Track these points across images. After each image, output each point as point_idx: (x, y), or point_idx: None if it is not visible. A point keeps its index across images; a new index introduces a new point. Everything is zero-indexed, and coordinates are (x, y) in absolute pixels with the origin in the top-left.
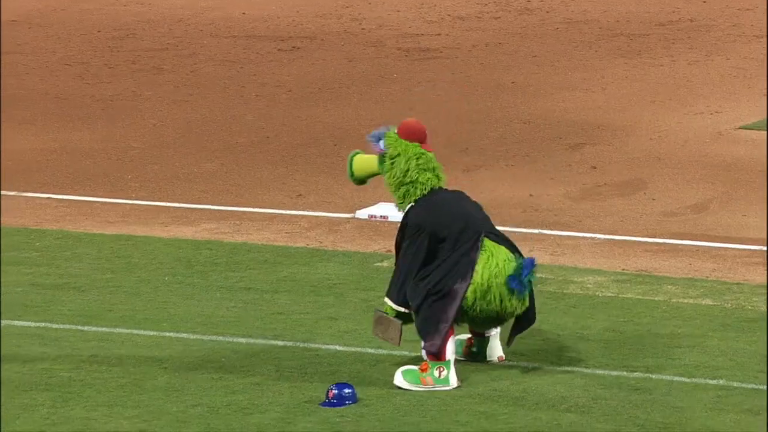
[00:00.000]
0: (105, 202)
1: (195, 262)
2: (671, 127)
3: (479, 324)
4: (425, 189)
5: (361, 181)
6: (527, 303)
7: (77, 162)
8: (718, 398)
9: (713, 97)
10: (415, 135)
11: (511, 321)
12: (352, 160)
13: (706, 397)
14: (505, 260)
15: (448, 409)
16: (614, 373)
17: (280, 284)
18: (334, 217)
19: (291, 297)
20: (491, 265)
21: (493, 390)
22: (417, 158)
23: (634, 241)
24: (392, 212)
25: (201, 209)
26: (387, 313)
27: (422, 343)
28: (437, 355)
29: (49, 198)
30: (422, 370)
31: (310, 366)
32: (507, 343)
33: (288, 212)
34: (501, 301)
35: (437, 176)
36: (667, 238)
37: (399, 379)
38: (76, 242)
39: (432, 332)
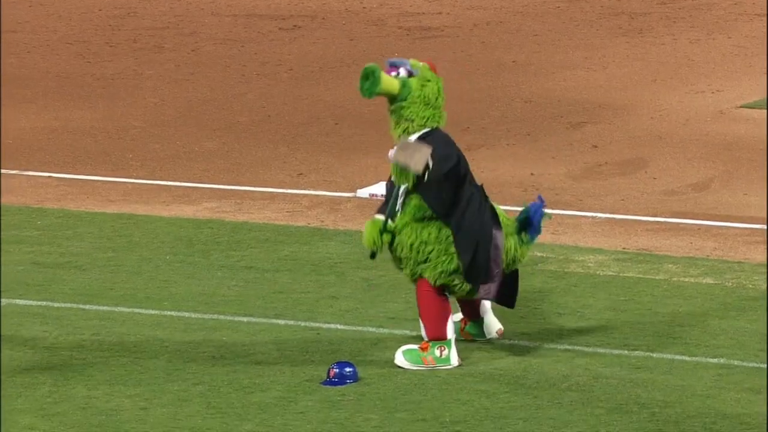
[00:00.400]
0: (106, 181)
1: (196, 241)
2: (672, 105)
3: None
4: (441, 120)
5: (376, 95)
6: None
7: (78, 141)
8: (719, 377)
9: (714, 76)
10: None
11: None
12: (376, 72)
13: (707, 376)
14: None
15: (449, 387)
16: (615, 351)
17: (281, 263)
18: (335, 196)
19: (292, 276)
20: (501, 213)
21: (494, 369)
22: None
23: (635, 220)
24: None
25: (202, 188)
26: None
27: (422, 328)
28: (485, 296)
29: (50, 177)
30: (423, 350)
31: (311, 345)
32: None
33: (289, 191)
34: (515, 250)
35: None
36: (668, 217)
37: (399, 359)
38: (77, 221)
39: (486, 278)
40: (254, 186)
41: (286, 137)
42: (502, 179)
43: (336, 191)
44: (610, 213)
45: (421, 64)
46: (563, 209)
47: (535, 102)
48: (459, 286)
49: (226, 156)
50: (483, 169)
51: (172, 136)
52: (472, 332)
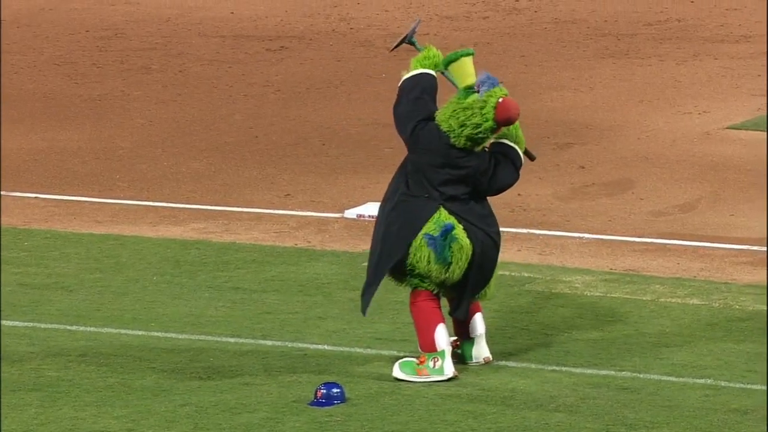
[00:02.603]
0: (93, 202)
1: (183, 262)
2: (659, 126)
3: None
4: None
5: (446, 67)
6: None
7: (65, 161)
8: (706, 397)
9: (701, 97)
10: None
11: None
12: (464, 56)
13: (693, 396)
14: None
15: (436, 408)
16: (602, 372)
17: (268, 284)
18: (322, 217)
19: (279, 297)
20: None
21: (481, 390)
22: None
23: (622, 241)
24: None
25: (189, 209)
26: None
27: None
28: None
29: (36, 197)
30: (420, 363)
31: (298, 365)
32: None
33: (276, 212)
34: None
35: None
36: (655, 238)
37: (396, 371)
38: (65, 242)
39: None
40: (241, 206)
41: (273, 158)
42: (490, 199)
43: (323, 212)
44: (598, 234)
45: (499, 91)
46: (550, 230)
47: (522, 123)
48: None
49: (214, 177)
50: None
51: (160, 156)
52: (460, 351)
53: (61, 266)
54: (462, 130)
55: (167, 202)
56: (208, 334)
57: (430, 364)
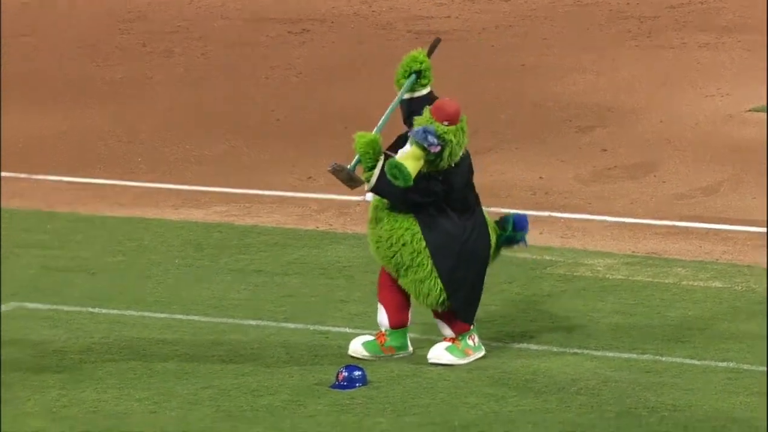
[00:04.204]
0: (116, 185)
1: (205, 245)
2: (682, 109)
3: None
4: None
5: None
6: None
7: (88, 144)
8: (729, 381)
9: (723, 80)
10: (450, 117)
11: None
12: (401, 167)
13: (716, 380)
14: None
15: (457, 391)
16: (624, 355)
17: (290, 267)
18: (344, 200)
19: (301, 279)
20: None
21: (503, 372)
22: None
23: (645, 224)
24: None
25: (211, 192)
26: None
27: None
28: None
29: (60, 180)
30: (458, 345)
31: (320, 348)
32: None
33: (298, 195)
34: None
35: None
36: (677, 221)
37: (442, 356)
38: (88, 225)
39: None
40: (263, 189)
41: (295, 140)
42: (511, 183)
43: (345, 195)
44: (620, 217)
45: (439, 126)
46: (572, 213)
47: (544, 106)
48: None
49: (236, 160)
50: (492, 173)
51: (182, 140)
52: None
53: (84, 249)
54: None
55: (189, 185)
56: (230, 317)
57: (471, 342)
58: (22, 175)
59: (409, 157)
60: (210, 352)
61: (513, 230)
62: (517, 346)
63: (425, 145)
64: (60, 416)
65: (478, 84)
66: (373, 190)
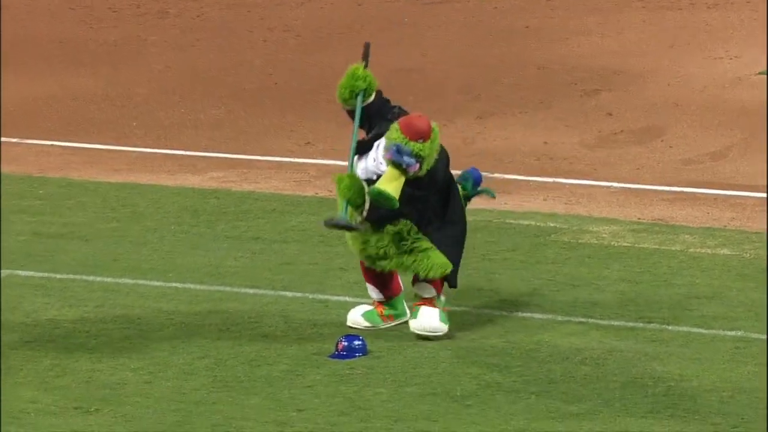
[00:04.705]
0: (110, 150)
1: (202, 211)
2: (690, 72)
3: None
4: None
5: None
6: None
7: (81, 108)
8: (737, 350)
9: (733, 42)
10: (423, 135)
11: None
12: (384, 194)
13: (723, 349)
14: None
15: (459, 361)
16: (630, 324)
17: (288, 234)
18: (343, 165)
19: (299, 247)
20: None
21: (506, 342)
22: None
23: (651, 190)
24: None
25: (208, 157)
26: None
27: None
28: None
29: (52, 145)
30: (437, 305)
31: (319, 317)
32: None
33: (296, 160)
34: None
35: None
36: (684, 187)
37: (442, 326)
38: (81, 190)
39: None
40: (261, 155)
41: (293, 105)
42: (515, 148)
43: (344, 160)
44: (626, 182)
45: (413, 144)
46: (577, 178)
47: (548, 69)
48: None
49: (233, 124)
50: (495, 138)
51: (177, 103)
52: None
53: (77, 215)
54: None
55: (185, 150)
56: (227, 285)
57: (442, 298)
58: (14, 140)
59: (389, 180)
60: (206, 321)
61: (473, 188)
62: (520, 315)
63: (403, 166)
64: (53, 386)
65: (480, 46)
66: (368, 219)
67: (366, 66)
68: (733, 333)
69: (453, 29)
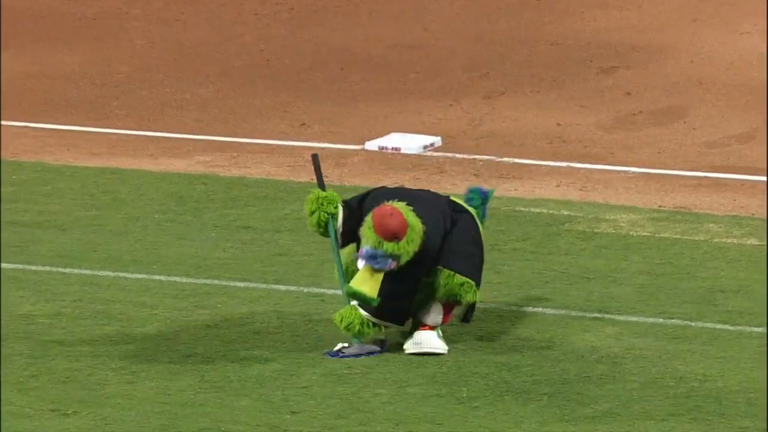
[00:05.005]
0: (88, 132)
1: (188, 199)
2: (714, 48)
3: None
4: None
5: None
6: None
7: (58, 87)
8: (764, 347)
9: (760, 15)
10: (398, 234)
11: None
12: (360, 294)
13: (750, 347)
14: None
15: (466, 360)
16: (650, 320)
17: (281, 223)
18: (341, 149)
19: (294, 237)
20: None
21: (516, 339)
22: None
23: (673, 175)
24: (405, 144)
25: (194, 140)
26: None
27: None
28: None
29: (26, 127)
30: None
31: (314, 312)
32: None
33: (290, 143)
34: None
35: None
36: (708, 172)
37: (438, 344)
38: (57, 176)
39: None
40: (252, 138)
41: (287, 84)
42: (525, 130)
43: (342, 143)
44: (645, 167)
45: (387, 245)
46: (592, 163)
47: (561, 44)
48: None
49: (221, 104)
50: (504, 119)
51: (162, 82)
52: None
53: (54, 203)
54: None
55: (170, 132)
56: (215, 278)
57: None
58: None
59: (363, 281)
60: (193, 317)
61: (482, 202)
62: (531, 310)
63: (379, 267)
64: (28, 387)
65: (488, 20)
66: (382, 318)
67: (321, 183)
68: (760, 329)
69: (458, 1)
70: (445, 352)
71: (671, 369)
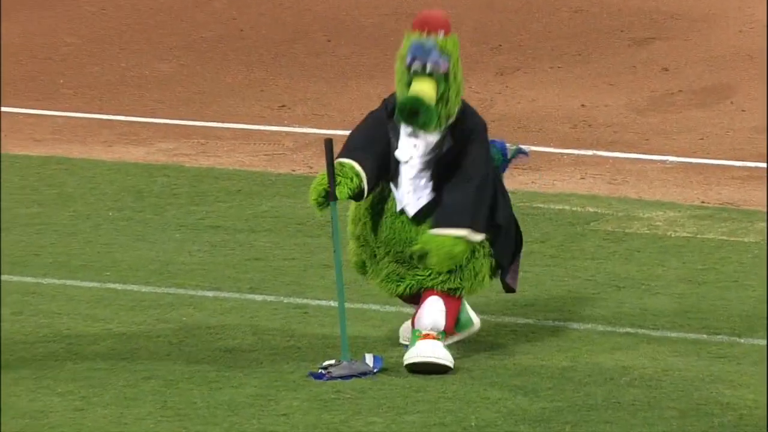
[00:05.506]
0: (30, 114)
1: (147, 193)
2: (766, 16)
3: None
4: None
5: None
6: None
7: None
8: None
9: None
10: (445, 25)
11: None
12: (418, 100)
13: None
14: None
15: (475, 383)
16: (691, 336)
17: (257, 222)
18: (328, 135)
19: (272, 238)
20: None
21: (534, 358)
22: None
23: (718, 165)
24: None
25: (155, 124)
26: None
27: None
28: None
29: None
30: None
31: (296, 327)
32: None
33: (268, 128)
34: None
35: None
36: (759, 161)
37: (443, 354)
38: None
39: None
40: (223, 122)
41: (263, 58)
42: (544, 112)
43: (329, 128)
44: (685, 156)
45: (442, 38)
46: (624, 152)
47: (587, 11)
48: None
49: (187, 82)
50: (519, 100)
51: (116, 56)
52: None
53: None
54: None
55: (127, 115)
56: (179, 287)
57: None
58: None
59: (418, 85)
60: (154, 332)
61: (504, 157)
62: (551, 325)
63: (430, 64)
64: None
65: None
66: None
67: (333, 175)
68: None
69: None
70: (451, 365)
71: (716, 394)
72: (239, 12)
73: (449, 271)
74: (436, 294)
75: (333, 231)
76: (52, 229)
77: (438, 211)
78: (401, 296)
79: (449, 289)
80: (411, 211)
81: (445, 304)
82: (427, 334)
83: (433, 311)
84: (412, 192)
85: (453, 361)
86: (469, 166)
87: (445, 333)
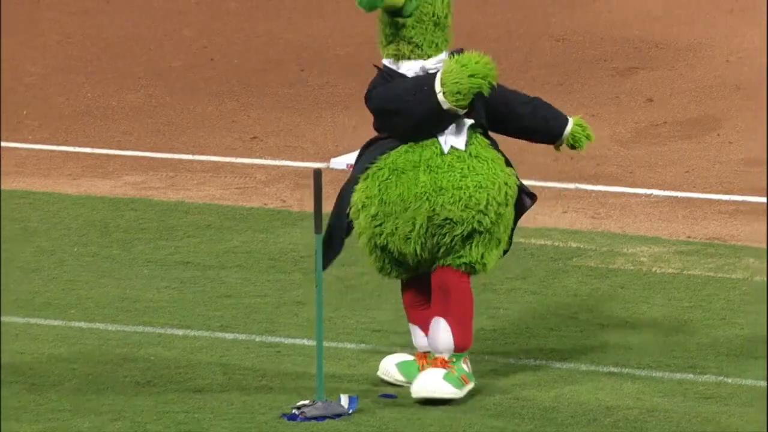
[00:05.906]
0: None
1: (114, 228)
2: (754, 45)
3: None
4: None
5: (375, 8)
6: None
7: None
8: None
9: None
10: None
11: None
12: None
13: None
14: None
15: (453, 423)
16: (677, 376)
17: (228, 257)
18: (301, 168)
19: (243, 275)
20: None
21: (515, 398)
22: None
23: (704, 199)
24: None
25: (122, 156)
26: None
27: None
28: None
29: None
30: (452, 369)
31: (268, 367)
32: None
33: (239, 160)
34: None
35: None
36: (747, 195)
37: (447, 389)
38: None
39: None
40: (193, 154)
41: (234, 88)
42: (525, 144)
43: (302, 160)
44: (671, 190)
45: None
46: (607, 185)
47: (569, 40)
48: None
49: (155, 113)
50: None
51: (82, 86)
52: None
53: None
54: None
55: (93, 147)
56: (147, 325)
57: (465, 368)
58: None
59: None
60: (120, 372)
61: None
62: (533, 363)
63: None
64: None
65: (480, 12)
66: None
67: (319, 207)
68: None
69: None
70: (456, 396)
71: None
72: (209, 41)
73: (466, 243)
74: (438, 315)
75: (316, 264)
76: (15, 266)
77: (542, 125)
78: (411, 266)
79: (463, 264)
80: (461, 145)
81: (449, 323)
82: (435, 359)
83: (439, 332)
84: (455, 131)
85: (456, 391)
86: (517, 95)
87: (461, 351)
